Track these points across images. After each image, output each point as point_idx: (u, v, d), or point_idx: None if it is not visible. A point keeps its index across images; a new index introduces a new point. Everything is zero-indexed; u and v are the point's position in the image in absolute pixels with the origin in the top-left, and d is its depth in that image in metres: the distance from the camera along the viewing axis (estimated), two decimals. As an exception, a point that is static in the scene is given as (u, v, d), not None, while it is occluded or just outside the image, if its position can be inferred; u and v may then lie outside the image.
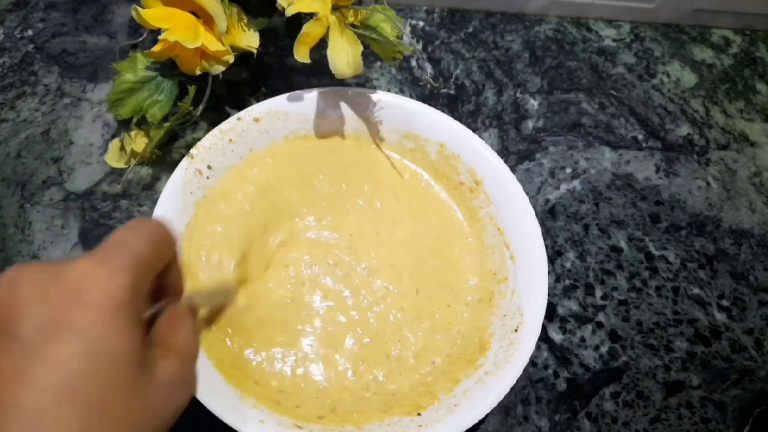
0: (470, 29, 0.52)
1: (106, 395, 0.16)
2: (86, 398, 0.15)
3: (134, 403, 0.16)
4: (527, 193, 0.36)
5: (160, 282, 0.21)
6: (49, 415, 0.15)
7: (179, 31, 0.34)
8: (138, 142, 0.39)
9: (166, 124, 0.38)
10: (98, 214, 0.39)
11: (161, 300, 0.21)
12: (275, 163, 0.38)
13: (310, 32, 0.34)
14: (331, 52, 0.34)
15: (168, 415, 0.18)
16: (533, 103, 0.48)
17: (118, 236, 0.19)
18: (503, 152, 0.44)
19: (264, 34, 0.39)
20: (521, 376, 0.30)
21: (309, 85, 0.39)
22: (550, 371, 0.36)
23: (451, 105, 0.47)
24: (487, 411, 0.29)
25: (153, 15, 0.34)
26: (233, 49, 0.37)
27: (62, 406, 0.15)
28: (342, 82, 0.44)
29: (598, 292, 0.39)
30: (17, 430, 0.15)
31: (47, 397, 0.15)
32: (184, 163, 0.35)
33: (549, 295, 0.36)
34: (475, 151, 0.38)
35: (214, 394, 0.28)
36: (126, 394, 0.16)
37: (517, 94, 0.48)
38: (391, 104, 0.39)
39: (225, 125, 0.36)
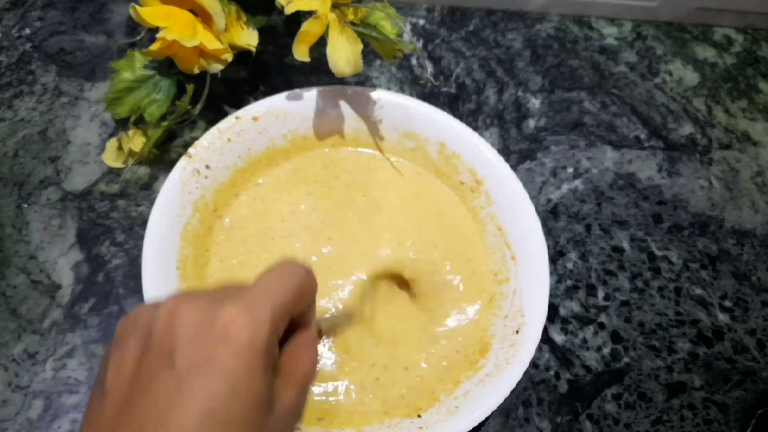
0: (471, 27, 0.51)
1: (242, 424, 0.18)
2: (225, 427, 0.18)
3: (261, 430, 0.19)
4: (528, 193, 0.36)
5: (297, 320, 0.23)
6: None
7: (177, 29, 0.34)
8: (136, 141, 0.39)
9: (164, 124, 0.38)
10: (96, 214, 0.39)
11: (292, 330, 0.23)
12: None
13: (309, 30, 0.33)
14: (330, 51, 0.34)
15: None
16: (534, 102, 0.47)
17: (264, 283, 0.21)
18: (504, 151, 0.44)
19: (263, 33, 0.38)
20: (522, 377, 0.30)
21: (308, 84, 0.38)
22: (551, 373, 0.35)
23: (452, 104, 0.46)
24: (488, 413, 0.29)
25: (151, 13, 0.34)
26: (232, 47, 0.37)
27: (208, 429, 0.18)
28: (342, 81, 0.43)
29: (600, 293, 0.39)
30: None
31: (195, 422, 0.17)
32: (182, 162, 0.34)
33: (550, 295, 0.35)
34: (476, 151, 0.37)
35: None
36: (257, 426, 0.19)
37: (519, 93, 0.48)
38: (392, 103, 0.38)
39: (223, 124, 0.36)
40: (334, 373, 0.32)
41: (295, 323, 0.23)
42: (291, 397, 0.21)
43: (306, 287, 0.22)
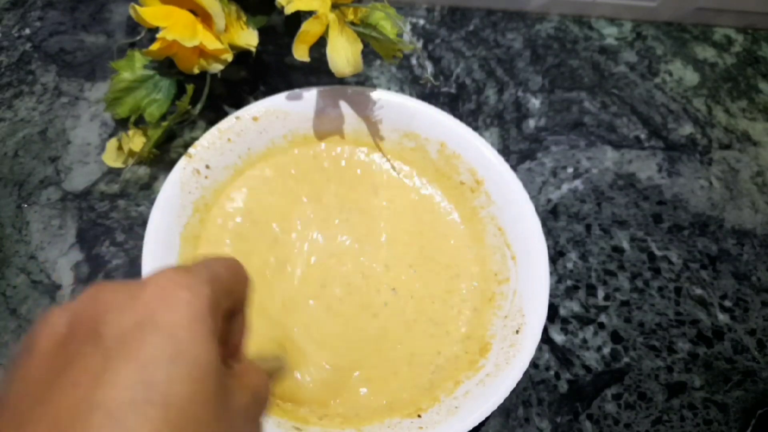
0: (471, 27, 0.51)
1: (189, 406, 0.15)
2: (169, 403, 0.14)
3: (213, 421, 0.15)
4: (529, 193, 0.36)
5: (224, 329, 0.19)
6: (131, 416, 0.14)
7: (177, 29, 0.34)
8: (136, 141, 0.39)
9: (164, 124, 0.38)
10: (96, 214, 0.39)
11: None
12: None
13: (309, 30, 0.33)
14: (330, 51, 0.34)
15: None
16: (535, 102, 0.47)
17: (201, 260, 0.19)
18: (504, 151, 0.44)
19: (263, 33, 0.38)
20: (522, 377, 0.30)
21: (308, 84, 0.38)
22: (551, 373, 0.35)
23: (452, 104, 0.46)
24: (488, 413, 0.29)
25: (151, 13, 0.34)
26: (232, 47, 0.37)
27: (145, 407, 0.14)
28: (342, 81, 0.43)
29: (600, 293, 0.39)
30: (98, 429, 0.14)
31: (130, 396, 0.14)
32: (182, 162, 0.34)
33: (550, 295, 0.35)
34: (476, 151, 0.37)
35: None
36: (208, 408, 0.15)
37: (519, 93, 0.48)
38: (392, 103, 0.38)
39: (223, 124, 0.36)
40: (335, 374, 0.32)
41: (227, 347, 0.20)
42: (246, 400, 0.18)
43: (239, 271, 0.20)
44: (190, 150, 0.35)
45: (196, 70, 0.37)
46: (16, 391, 0.15)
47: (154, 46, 0.35)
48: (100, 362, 0.15)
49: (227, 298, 0.18)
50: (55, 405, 0.14)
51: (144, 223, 0.32)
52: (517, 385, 0.30)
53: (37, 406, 0.14)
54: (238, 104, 0.43)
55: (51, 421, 0.14)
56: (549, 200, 0.42)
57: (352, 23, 0.35)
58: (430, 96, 0.46)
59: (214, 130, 0.36)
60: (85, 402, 0.14)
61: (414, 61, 0.48)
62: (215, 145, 0.36)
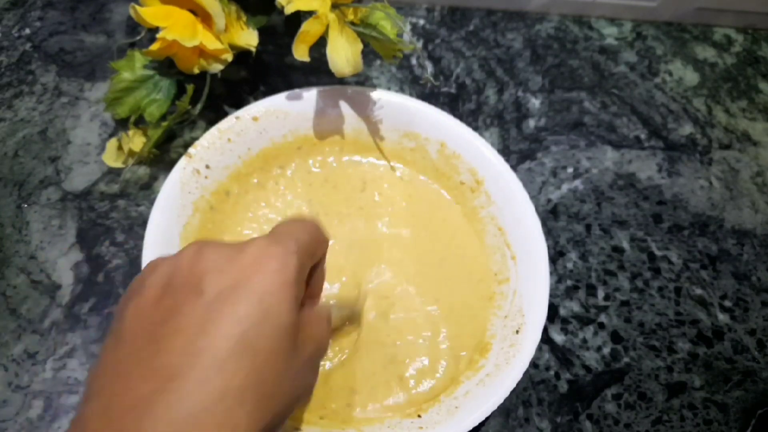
0: (471, 27, 0.51)
1: (270, 357, 0.18)
2: (257, 354, 0.17)
3: (286, 370, 0.18)
4: (528, 193, 0.36)
5: (307, 281, 0.22)
6: (228, 363, 0.17)
7: (177, 29, 0.34)
8: (136, 141, 0.39)
9: (164, 124, 0.38)
10: (96, 214, 0.39)
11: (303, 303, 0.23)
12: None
13: (309, 30, 0.33)
14: (330, 51, 0.34)
15: (301, 392, 0.20)
16: (535, 102, 0.47)
17: (286, 226, 0.21)
18: (504, 151, 0.44)
19: (263, 33, 0.38)
20: (522, 377, 0.30)
21: (308, 84, 0.38)
22: (551, 373, 0.35)
23: (452, 104, 0.46)
24: (488, 413, 0.29)
25: (151, 13, 0.34)
26: (232, 47, 0.37)
27: (240, 357, 0.17)
28: (342, 81, 0.43)
29: (600, 293, 0.39)
30: (201, 373, 0.16)
31: (228, 347, 0.17)
32: (182, 162, 0.34)
33: (550, 295, 0.35)
34: (476, 151, 0.37)
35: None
36: (284, 360, 0.18)
37: (519, 93, 0.48)
38: (392, 103, 0.38)
39: (223, 124, 0.36)
40: (335, 371, 0.32)
41: (308, 291, 0.22)
42: (311, 349, 0.20)
43: (320, 233, 0.23)
44: (190, 150, 0.35)
45: (196, 70, 0.37)
46: (130, 327, 0.18)
47: (154, 46, 0.35)
48: (202, 314, 0.17)
49: (311, 260, 0.21)
50: (167, 345, 0.17)
51: (144, 223, 0.32)
52: (517, 385, 0.30)
53: (150, 344, 0.17)
54: (238, 104, 0.43)
55: (164, 358, 0.17)
56: (549, 200, 0.42)
57: (352, 23, 0.35)
58: (430, 96, 0.46)
59: (214, 130, 0.36)
60: (192, 345, 0.17)
61: (414, 61, 0.48)
62: (215, 145, 0.36)
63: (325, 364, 0.32)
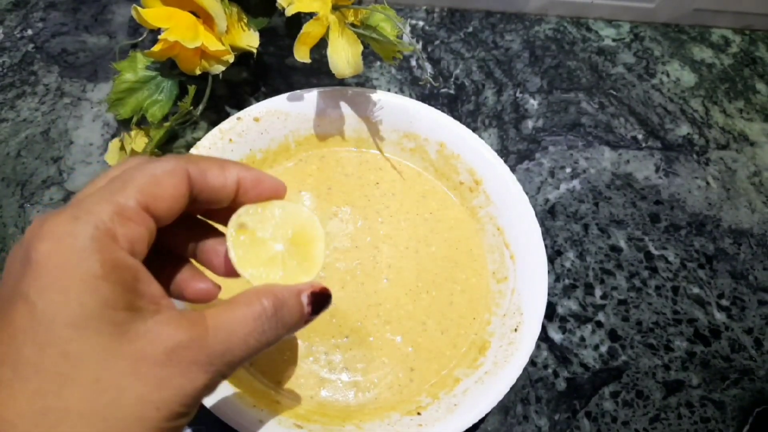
0: (470, 29, 0.52)
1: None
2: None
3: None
4: (527, 193, 0.36)
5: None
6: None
7: (179, 30, 0.34)
8: (138, 141, 0.39)
9: (166, 124, 0.38)
10: (98, 214, 0.39)
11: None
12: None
13: (310, 32, 0.34)
14: (331, 52, 0.34)
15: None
16: (533, 103, 0.48)
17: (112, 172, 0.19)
18: (503, 152, 0.44)
19: (264, 34, 0.39)
20: (521, 375, 0.30)
21: (309, 85, 0.39)
22: (549, 371, 0.36)
23: (451, 105, 0.47)
24: (487, 410, 0.29)
25: (153, 15, 0.34)
26: (233, 48, 0.37)
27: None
28: (342, 82, 0.44)
29: (598, 292, 0.39)
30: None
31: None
32: (184, 162, 0.35)
33: (549, 294, 0.36)
34: (475, 151, 0.38)
35: (212, 393, 0.28)
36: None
37: (517, 94, 0.48)
38: (391, 104, 0.39)
39: (225, 125, 0.36)
40: (334, 370, 0.32)
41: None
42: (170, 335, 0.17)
43: (167, 177, 0.19)
44: (192, 150, 0.35)
45: (197, 71, 0.37)
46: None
47: (156, 48, 0.35)
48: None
49: (142, 226, 0.18)
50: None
51: (146, 223, 0.33)
52: (516, 382, 0.30)
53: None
54: (240, 105, 0.43)
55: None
56: (547, 200, 0.43)
57: (353, 25, 0.35)
58: (429, 97, 0.47)
59: (215, 131, 0.36)
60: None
61: (413, 63, 0.49)
62: (217, 145, 0.36)
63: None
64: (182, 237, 0.23)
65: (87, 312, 0.16)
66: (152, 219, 0.19)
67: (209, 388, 0.18)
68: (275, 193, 0.22)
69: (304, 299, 0.20)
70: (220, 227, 0.23)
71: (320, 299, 0.21)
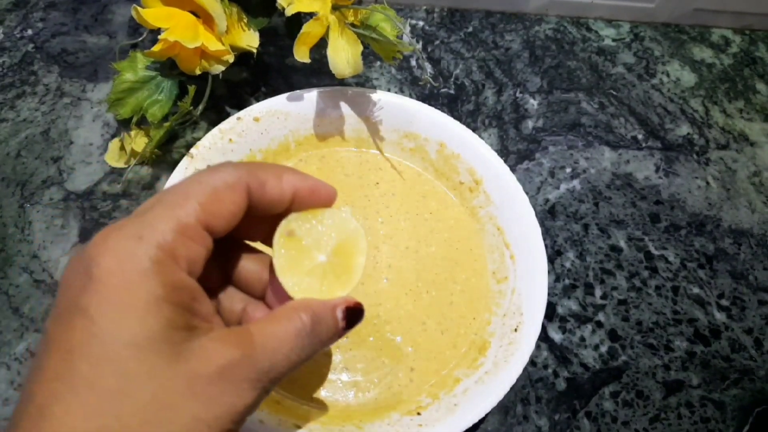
0: (470, 29, 0.52)
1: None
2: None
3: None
4: (527, 193, 0.36)
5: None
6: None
7: (179, 30, 0.34)
8: (138, 141, 0.39)
9: (166, 124, 0.38)
10: (98, 214, 0.39)
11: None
12: None
13: (310, 32, 0.34)
14: (330, 52, 0.34)
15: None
16: (533, 103, 0.48)
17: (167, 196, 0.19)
18: (503, 152, 0.44)
19: (264, 34, 0.39)
20: (521, 375, 0.30)
21: (309, 85, 0.39)
22: (549, 371, 0.36)
23: (451, 105, 0.47)
24: (487, 410, 0.29)
25: (153, 14, 0.34)
26: (233, 48, 0.37)
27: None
28: (342, 82, 0.44)
29: (598, 292, 0.39)
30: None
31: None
32: (184, 162, 0.35)
33: (549, 294, 0.36)
34: (475, 151, 0.38)
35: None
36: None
37: (517, 94, 0.48)
38: (391, 104, 0.39)
39: (225, 125, 0.36)
40: (334, 370, 0.32)
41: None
42: (225, 357, 0.17)
43: (232, 187, 0.19)
44: (192, 150, 0.35)
45: (197, 71, 0.37)
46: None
47: (156, 48, 0.35)
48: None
49: (206, 227, 0.18)
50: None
51: (146, 223, 0.33)
52: (516, 382, 0.30)
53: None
54: (240, 105, 0.43)
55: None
56: (547, 200, 0.43)
57: (353, 25, 0.35)
58: (429, 97, 0.47)
59: (215, 131, 0.36)
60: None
61: (413, 63, 0.49)
62: (217, 145, 0.36)
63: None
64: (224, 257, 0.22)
65: (147, 332, 0.16)
66: (210, 237, 0.19)
67: (256, 404, 0.18)
68: (328, 201, 0.22)
69: (339, 314, 0.21)
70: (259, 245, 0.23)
71: (354, 314, 0.21)
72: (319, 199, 0.21)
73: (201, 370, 0.17)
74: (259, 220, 0.21)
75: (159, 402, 0.16)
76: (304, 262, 0.21)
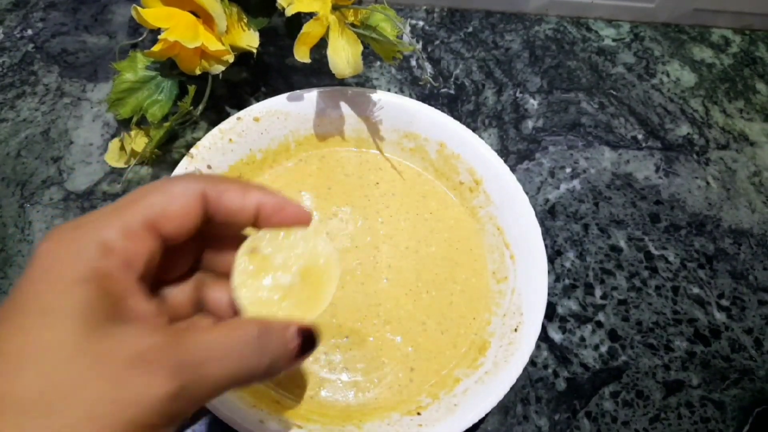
0: (470, 29, 0.52)
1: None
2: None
3: None
4: (527, 193, 0.36)
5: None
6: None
7: (179, 30, 0.34)
8: (138, 141, 0.39)
9: (166, 124, 0.38)
10: (98, 214, 0.39)
11: None
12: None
13: (310, 32, 0.34)
14: (331, 52, 0.34)
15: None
16: (533, 103, 0.48)
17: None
18: (503, 152, 0.44)
19: (264, 34, 0.39)
20: (521, 375, 0.30)
21: (309, 85, 0.39)
22: (549, 371, 0.36)
23: (451, 105, 0.47)
24: (487, 410, 0.29)
25: (153, 14, 0.34)
26: (233, 48, 0.37)
27: None
28: (342, 82, 0.44)
29: (598, 292, 0.39)
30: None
31: None
32: (184, 162, 0.35)
33: (549, 294, 0.36)
34: (475, 151, 0.38)
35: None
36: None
37: (517, 94, 0.48)
38: (391, 104, 0.39)
39: (225, 125, 0.36)
40: (334, 370, 0.32)
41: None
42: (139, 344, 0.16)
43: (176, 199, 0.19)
44: (192, 150, 0.35)
45: (197, 71, 0.37)
46: None
47: (156, 48, 0.35)
48: None
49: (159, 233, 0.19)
50: None
51: (146, 223, 0.33)
52: (516, 382, 0.30)
53: None
54: (240, 105, 0.43)
55: None
56: (547, 200, 0.43)
57: (353, 25, 0.35)
58: (429, 97, 0.47)
59: (215, 131, 0.36)
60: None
61: (413, 63, 0.49)
62: (217, 145, 0.36)
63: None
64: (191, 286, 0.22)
65: (60, 306, 0.16)
66: (158, 237, 0.19)
67: (177, 401, 0.16)
68: (298, 220, 0.21)
69: (291, 334, 0.19)
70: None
71: (308, 337, 0.20)
72: (287, 217, 0.21)
73: (113, 350, 0.16)
74: (237, 238, 0.21)
75: (59, 374, 0.15)
76: (263, 279, 0.20)
